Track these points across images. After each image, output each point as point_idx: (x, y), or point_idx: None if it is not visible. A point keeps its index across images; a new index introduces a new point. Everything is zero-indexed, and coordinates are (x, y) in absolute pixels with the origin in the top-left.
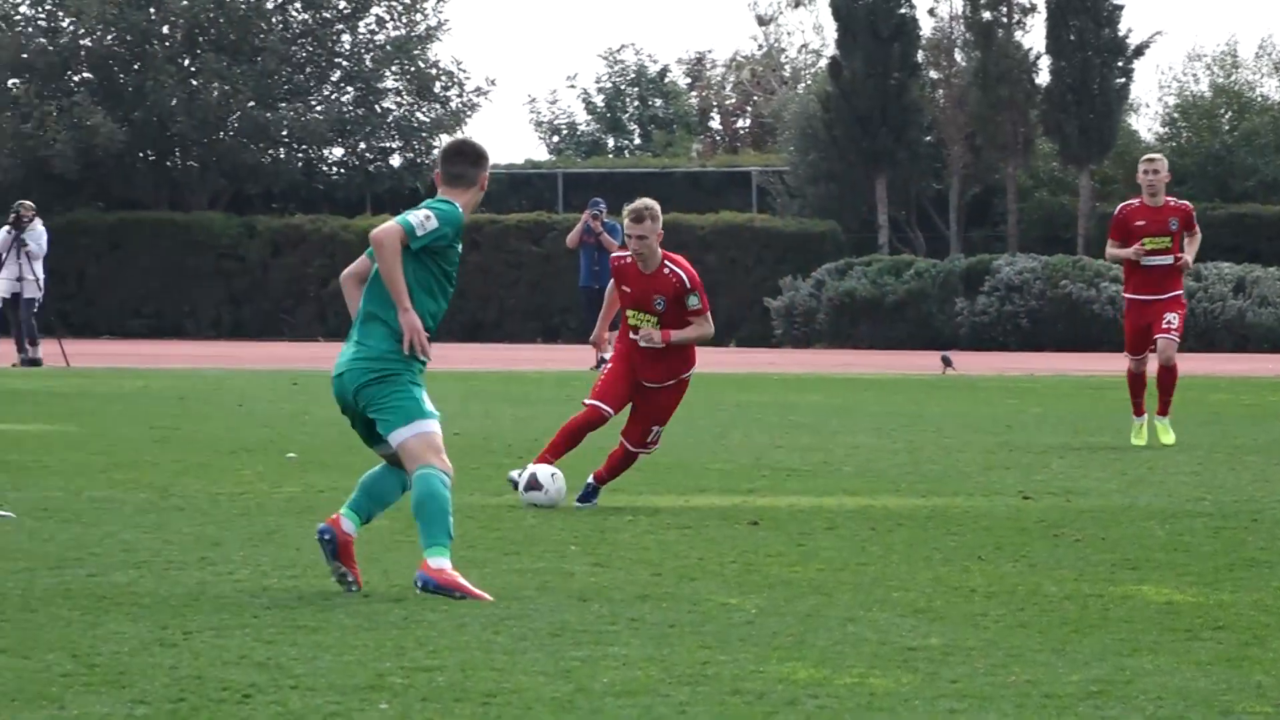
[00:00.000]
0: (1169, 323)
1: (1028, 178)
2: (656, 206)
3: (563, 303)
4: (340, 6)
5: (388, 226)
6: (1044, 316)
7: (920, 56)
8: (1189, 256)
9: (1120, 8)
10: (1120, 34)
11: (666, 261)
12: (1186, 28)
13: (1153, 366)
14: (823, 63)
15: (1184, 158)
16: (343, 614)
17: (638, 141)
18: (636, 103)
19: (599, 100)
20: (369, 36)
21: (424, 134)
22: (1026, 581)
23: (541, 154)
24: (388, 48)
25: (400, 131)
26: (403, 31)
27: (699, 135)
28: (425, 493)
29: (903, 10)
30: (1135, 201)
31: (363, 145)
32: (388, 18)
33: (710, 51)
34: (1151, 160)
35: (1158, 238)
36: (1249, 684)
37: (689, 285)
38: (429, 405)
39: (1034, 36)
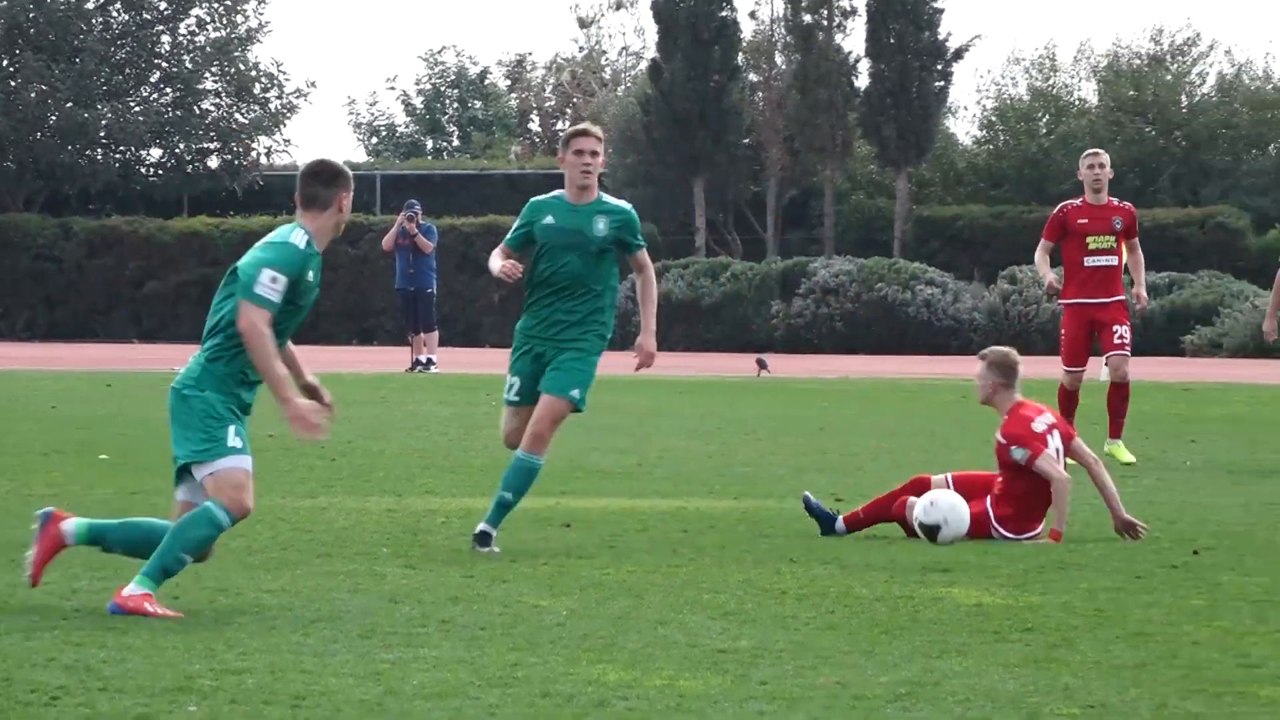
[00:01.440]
0: (1121, 336)
1: (845, 180)
2: None
3: (379, 304)
4: (161, 8)
5: (249, 316)
6: (859, 319)
7: (740, 59)
8: (1140, 288)
9: (940, 11)
10: (940, 37)
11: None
12: (1006, 31)
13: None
14: (643, 65)
15: (1001, 160)
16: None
17: (456, 143)
18: (456, 104)
19: (418, 102)
20: (189, 38)
21: (243, 136)
22: (837, 584)
23: (360, 155)
24: (208, 49)
25: (219, 133)
26: (223, 33)
27: (518, 137)
28: (190, 528)
29: (724, 13)
30: (1077, 201)
31: (181, 146)
32: (208, 19)
33: (530, 54)
34: (1096, 154)
35: (1101, 236)
36: (1056, 686)
37: None
38: (238, 442)
39: (854, 39)
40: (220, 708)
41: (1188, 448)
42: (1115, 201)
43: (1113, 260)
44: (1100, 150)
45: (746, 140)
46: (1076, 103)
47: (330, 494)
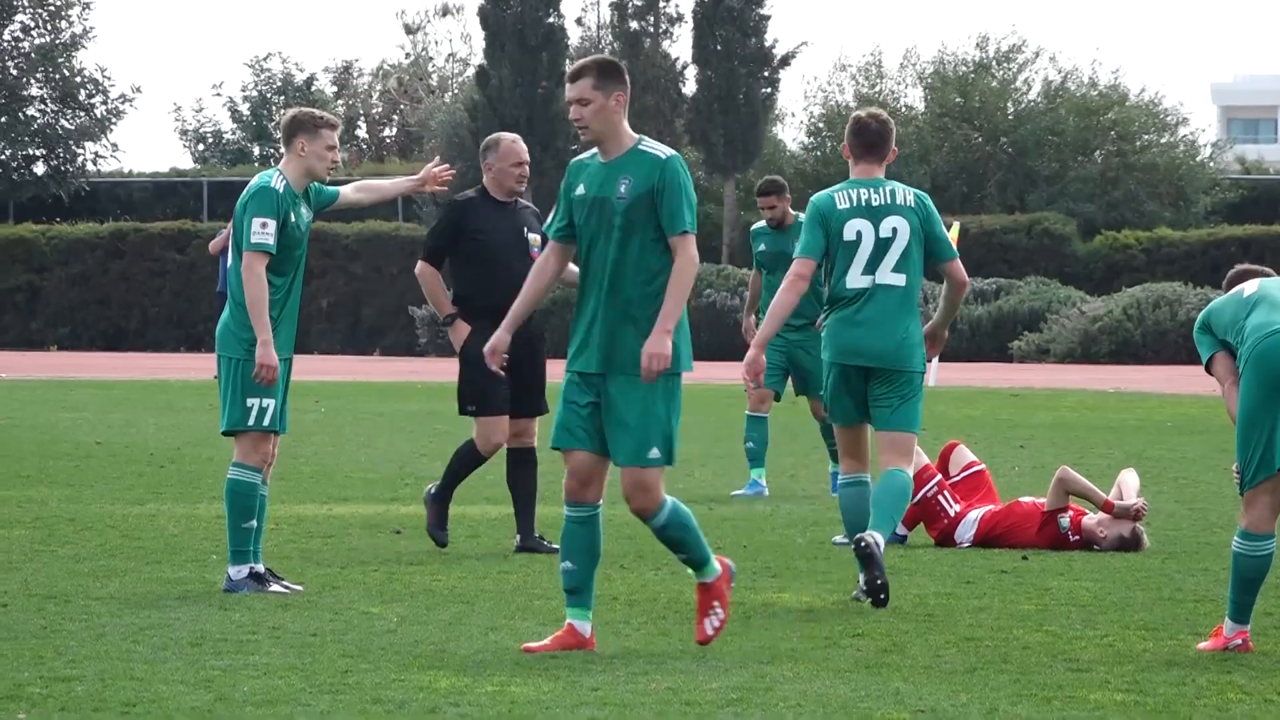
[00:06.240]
0: None
1: None
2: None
3: (206, 311)
4: None
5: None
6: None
7: (567, 65)
8: None
9: (767, 18)
10: (766, 44)
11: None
12: (832, 38)
13: None
14: (470, 72)
15: (828, 167)
16: None
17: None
18: (282, 111)
19: (244, 108)
20: (13, 44)
21: (69, 142)
22: (668, 589)
23: (186, 162)
24: (32, 55)
25: (44, 139)
26: (47, 39)
27: (346, 144)
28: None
29: (551, 20)
30: None
31: (6, 153)
32: (33, 25)
33: (357, 60)
34: None
35: None
36: (887, 690)
37: None
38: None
39: (681, 46)
40: (50, 715)
41: (1016, 453)
42: None
43: None
44: None
45: (575, 147)
46: (903, 109)
47: (159, 500)
